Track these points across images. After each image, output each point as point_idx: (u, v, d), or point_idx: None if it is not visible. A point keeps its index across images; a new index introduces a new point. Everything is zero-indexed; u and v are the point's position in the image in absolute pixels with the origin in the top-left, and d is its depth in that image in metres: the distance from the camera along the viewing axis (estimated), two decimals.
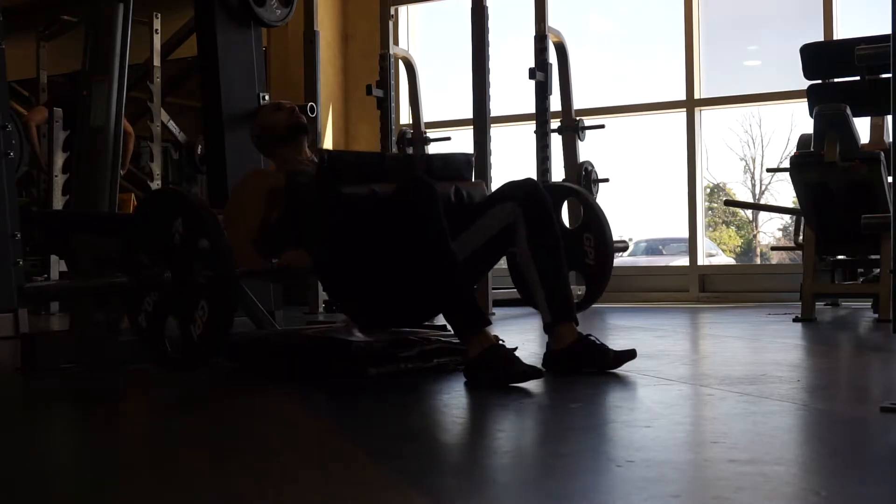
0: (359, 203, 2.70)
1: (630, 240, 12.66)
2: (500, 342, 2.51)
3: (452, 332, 2.92)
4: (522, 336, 3.91)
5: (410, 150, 6.94)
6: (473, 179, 3.02)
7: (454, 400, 2.31)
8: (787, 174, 4.54)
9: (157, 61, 6.51)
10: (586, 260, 3.40)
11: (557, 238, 2.75)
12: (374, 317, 2.90)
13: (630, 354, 2.66)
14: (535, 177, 5.02)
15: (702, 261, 6.86)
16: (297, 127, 3.30)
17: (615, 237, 3.57)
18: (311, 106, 5.10)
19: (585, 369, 2.67)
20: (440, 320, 2.82)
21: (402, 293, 2.77)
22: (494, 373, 2.43)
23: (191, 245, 2.65)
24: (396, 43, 7.01)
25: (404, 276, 2.67)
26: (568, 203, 3.59)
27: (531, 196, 2.76)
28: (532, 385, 2.50)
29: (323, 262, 2.86)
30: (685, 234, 6.96)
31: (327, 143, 7.57)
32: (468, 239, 2.78)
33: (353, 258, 2.77)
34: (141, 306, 2.78)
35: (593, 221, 3.45)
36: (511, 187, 2.81)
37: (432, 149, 7.08)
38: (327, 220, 2.74)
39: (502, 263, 3.26)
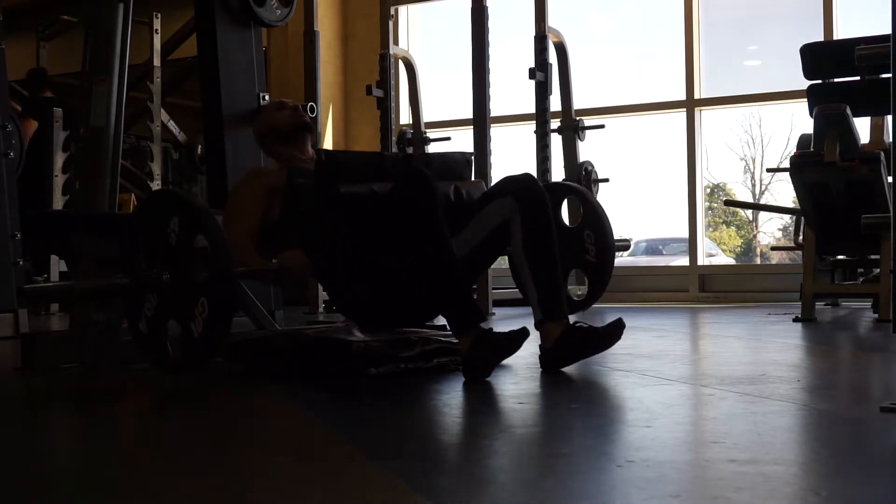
0: (357, 202, 2.70)
1: (630, 240, 12.66)
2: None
3: (451, 333, 2.93)
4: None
5: (410, 150, 6.94)
6: (473, 178, 3.03)
7: (454, 400, 2.31)
8: (787, 174, 4.54)
9: (157, 61, 6.51)
10: (587, 256, 3.39)
11: (552, 236, 2.75)
12: (374, 317, 2.90)
13: (618, 326, 2.67)
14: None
15: (702, 261, 6.86)
16: (301, 126, 3.28)
17: (617, 236, 3.55)
18: (311, 106, 5.10)
19: (581, 356, 2.68)
20: (440, 320, 2.82)
21: (403, 294, 2.77)
22: (485, 354, 2.52)
23: (188, 243, 2.64)
24: (396, 43, 7.01)
25: (404, 275, 2.68)
26: (568, 202, 3.58)
27: (528, 192, 2.76)
28: (532, 385, 2.50)
29: (322, 262, 2.85)
30: (685, 234, 6.96)
31: (327, 144, 7.58)
32: (466, 236, 2.79)
33: (352, 258, 2.77)
34: (141, 312, 2.77)
35: (593, 218, 3.44)
36: (508, 182, 2.81)
37: (432, 148, 7.07)
38: (325, 219, 2.75)
39: (502, 262, 3.26)
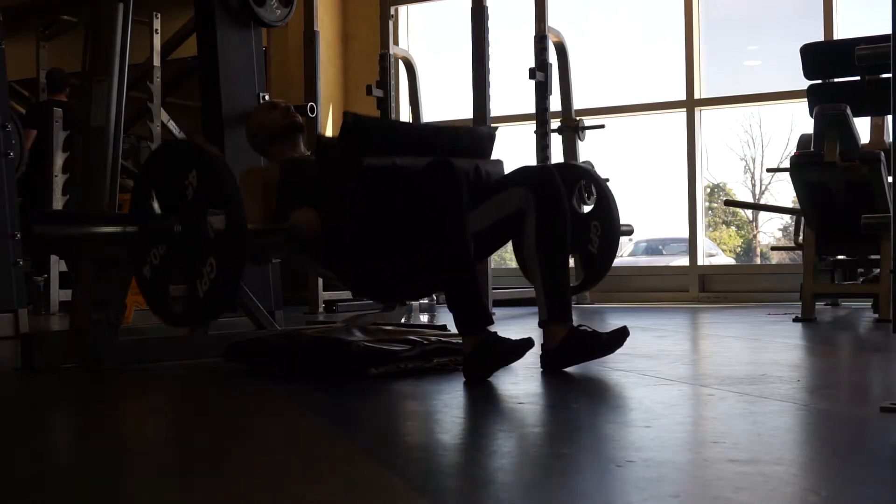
0: (378, 175, 2.65)
1: (630, 238, 12.65)
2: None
3: (452, 332, 2.93)
4: (523, 336, 3.90)
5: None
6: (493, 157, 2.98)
7: (454, 400, 2.31)
8: (787, 174, 4.54)
9: (157, 61, 6.50)
10: (590, 247, 3.36)
11: (566, 237, 2.75)
12: (378, 287, 2.88)
13: (622, 333, 2.67)
14: None
15: (702, 261, 6.86)
16: (292, 126, 3.29)
17: (623, 221, 3.50)
18: (311, 106, 5.10)
19: (582, 360, 2.68)
20: (440, 320, 2.82)
21: (409, 266, 2.75)
22: (488, 356, 2.51)
23: (204, 198, 2.60)
24: (396, 43, 7.01)
25: (415, 249, 2.65)
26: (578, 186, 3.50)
27: (547, 188, 2.74)
28: (532, 385, 2.50)
29: (334, 225, 2.78)
30: (685, 234, 6.96)
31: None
32: (477, 216, 2.75)
33: (365, 225, 2.72)
34: (147, 258, 2.73)
35: (604, 209, 3.39)
36: (528, 174, 2.79)
37: None
38: (343, 186, 2.68)
39: (502, 263, 3.25)
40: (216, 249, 2.58)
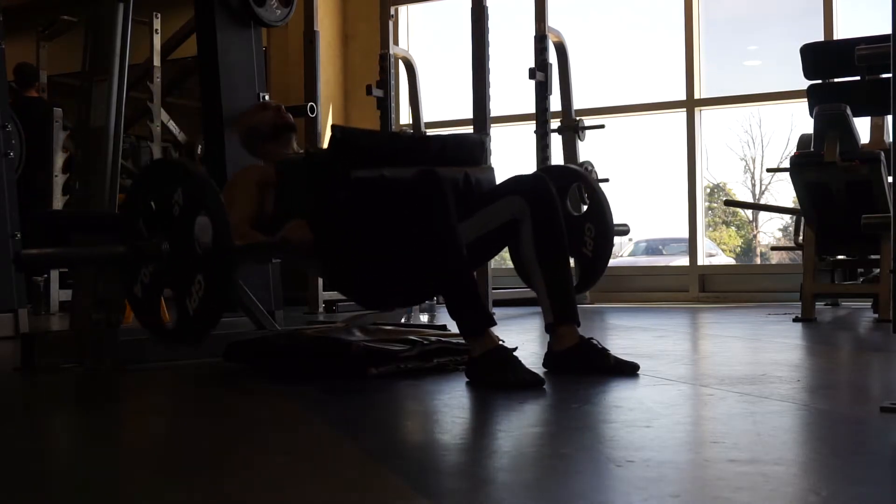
0: (367, 187, 2.65)
1: (630, 238, 12.64)
2: (501, 342, 2.52)
3: (452, 332, 2.93)
4: (523, 336, 3.91)
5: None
6: (485, 163, 2.98)
7: (454, 400, 2.31)
8: (787, 174, 4.54)
9: (157, 61, 6.51)
10: (584, 249, 3.36)
11: (564, 240, 2.74)
12: (372, 295, 2.88)
13: (632, 367, 2.63)
14: None
15: (702, 261, 6.86)
16: (283, 126, 3.29)
17: (617, 221, 3.52)
18: (311, 106, 5.10)
19: (585, 372, 2.67)
20: (440, 320, 2.81)
21: (403, 274, 2.74)
22: (495, 378, 2.45)
23: (190, 217, 2.61)
24: (396, 43, 7.01)
25: (407, 258, 2.65)
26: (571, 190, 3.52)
27: (541, 195, 2.74)
28: None
29: (324, 238, 2.78)
30: (685, 234, 6.96)
31: (327, 143, 7.57)
32: (472, 225, 2.75)
33: (355, 238, 2.72)
34: (137, 276, 2.75)
35: (597, 212, 3.40)
36: (521, 182, 2.79)
37: None
38: (333, 198, 2.68)
39: (502, 263, 3.25)
40: (203, 267, 2.59)
